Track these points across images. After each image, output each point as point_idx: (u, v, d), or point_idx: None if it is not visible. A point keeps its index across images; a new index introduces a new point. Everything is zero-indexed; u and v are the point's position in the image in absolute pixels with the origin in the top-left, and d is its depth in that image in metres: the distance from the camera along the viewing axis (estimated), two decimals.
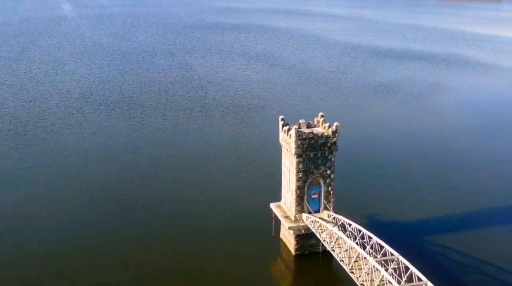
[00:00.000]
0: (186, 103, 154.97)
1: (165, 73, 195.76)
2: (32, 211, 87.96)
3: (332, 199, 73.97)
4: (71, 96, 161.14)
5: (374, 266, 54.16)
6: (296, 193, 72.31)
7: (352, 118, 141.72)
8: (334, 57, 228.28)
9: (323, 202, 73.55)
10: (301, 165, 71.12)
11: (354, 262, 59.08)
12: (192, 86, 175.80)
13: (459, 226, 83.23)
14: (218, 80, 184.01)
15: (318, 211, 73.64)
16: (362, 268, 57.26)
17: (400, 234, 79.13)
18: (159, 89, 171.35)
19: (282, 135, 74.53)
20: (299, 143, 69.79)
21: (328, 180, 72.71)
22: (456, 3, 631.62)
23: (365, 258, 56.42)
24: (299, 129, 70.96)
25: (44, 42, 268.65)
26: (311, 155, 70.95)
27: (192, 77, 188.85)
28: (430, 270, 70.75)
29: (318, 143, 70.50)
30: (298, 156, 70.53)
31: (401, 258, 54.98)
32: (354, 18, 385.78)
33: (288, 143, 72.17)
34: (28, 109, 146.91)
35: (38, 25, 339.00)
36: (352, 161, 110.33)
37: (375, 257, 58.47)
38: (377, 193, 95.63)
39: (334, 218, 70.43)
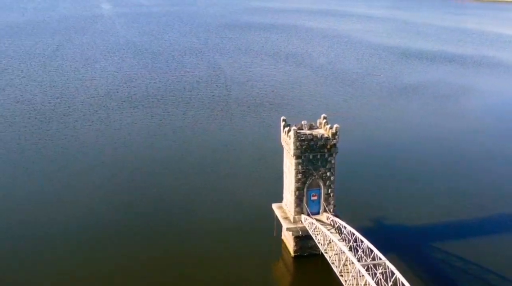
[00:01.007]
0: (208, 102, 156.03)
1: (192, 72, 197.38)
2: (46, 204, 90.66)
3: (332, 201, 73.45)
4: (98, 94, 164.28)
5: (359, 271, 53.64)
6: (295, 194, 72.14)
7: (372, 120, 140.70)
8: (364, 58, 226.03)
9: (323, 204, 73.11)
10: (300, 166, 70.90)
11: (343, 265, 58.65)
12: (216, 85, 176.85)
13: (463, 233, 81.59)
14: (243, 80, 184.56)
15: (317, 213, 73.26)
16: (350, 271, 56.79)
17: (402, 238, 78.19)
18: (184, 88, 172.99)
19: (283, 136, 74.48)
20: (297, 144, 69.61)
21: (328, 182, 72.24)
22: (497, 4, 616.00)
23: (352, 262, 55.95)
24: (299, 131, 70.70)
25: (79, 40, 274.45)
26: (310, 157, 70.64)
27: (218, 77, 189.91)
28: (425, 275, 70.12)
29: (318, 145, 70.14)
30: (297, 157, 70.33)
31: (388, 263, 54.25)
32: (389, 19, 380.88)
33: (288, 143, 72.08)
34: (54, 106, 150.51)
35: (75, 23, 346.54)
36: (365, 163, 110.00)
37: (365, 261, 57.97)
38: (385, 195, 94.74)
39: (332, 221, 69.99)
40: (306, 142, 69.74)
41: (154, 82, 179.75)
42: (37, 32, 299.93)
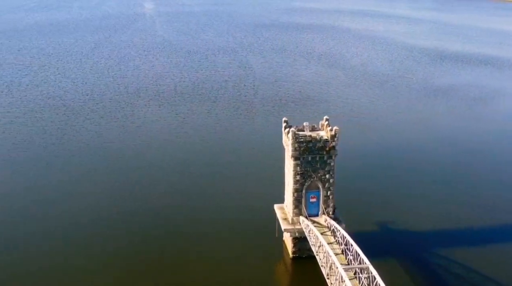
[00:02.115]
0: (233, 102, 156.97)
1: (223, 72, 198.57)
2: (62, 197, 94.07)
3: (332, 204, 73.02)
4: (127, 91, 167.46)
5: (341, 275, 53.29)
6: (293, 195, 72.09)
7: (395, 122, 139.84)
8: (397, 60, 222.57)
9: (322, 206, 72.75)
10: (298, 168, 70.78)
11: (330, 268, 58.34)
12: (244, 85, 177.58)
13: (465, 241, 79.75)
14: (271, 80, 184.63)
15: (316, 215, 73.01)
16: (334, 274, 56.46)
17: (402, 243, 77.12)
18: (211, 87, 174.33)
19: (284, 138, 74.41)
20: (296, 145, 69.52)
21: (327, 184, 71.82)
22: None
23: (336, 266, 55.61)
24: (298, 132, 70.56)
25: (117, 38, 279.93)
26: (309, 158, 70.42)
27: (247, 76, 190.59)
28: (421, 281, 68.97)
29: (316, 146, 69.83)
30: (295, 158, 70.24)
31: (371, 268, 53.70)
32: (429, 20, 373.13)
33: (287, 145, 71.99)
34: (83, 102, 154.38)
35: (117, 22, 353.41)
36: (381, 165, 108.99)
37: (353, 264, 57.59)
38: (395, 198, 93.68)
39: (328, 223, 69.60)
40: (304, 144, 69.55)
41: (183, 81, 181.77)
42: (78, 30, 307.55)
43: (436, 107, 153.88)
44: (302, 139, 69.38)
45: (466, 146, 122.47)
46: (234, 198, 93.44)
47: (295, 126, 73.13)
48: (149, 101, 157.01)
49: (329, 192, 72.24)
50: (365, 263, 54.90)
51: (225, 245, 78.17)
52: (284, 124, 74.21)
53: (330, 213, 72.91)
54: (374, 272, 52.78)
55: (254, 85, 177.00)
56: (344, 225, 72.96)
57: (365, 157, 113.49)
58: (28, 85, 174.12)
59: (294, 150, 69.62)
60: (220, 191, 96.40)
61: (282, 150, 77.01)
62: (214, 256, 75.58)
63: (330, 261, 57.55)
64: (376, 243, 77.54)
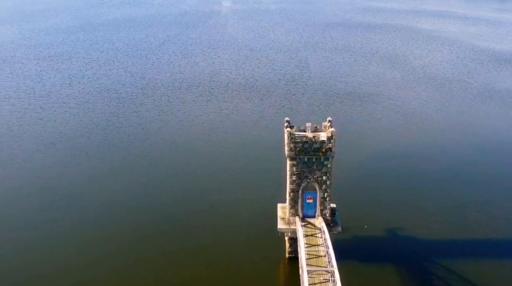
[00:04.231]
0: (280, 100, 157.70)
1: (279, 70, 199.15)
2: (96, 186, 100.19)
3: (328, 206, 72.40)
4: (180, 87, 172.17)
5: (303, 278, 53.29)
6: (289, 195, 72.23)
7: (440, 126, 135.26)
8: (461, 63, 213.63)
9: (319, 208, 72.35)
10: (294, 168, 70.81)
11: (301, 269, 58.25)
12: (296, 83, 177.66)
13: (463, 253, 76.56)
14: (325, 79, 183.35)
15: (313, 217, 72.71)
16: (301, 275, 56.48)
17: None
18: (263, 85, 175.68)
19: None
20: (291, 145, 69.57)
21: (324, 186, 71.32)
22: None
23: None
24: (295, 132, 70.51)
25: (186, 35, 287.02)
26: (305, 159, 70.25)
27: (301, 75, 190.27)
28: None
29: (312, 148, 69.51)
30: (291, 158, 70.35)
31: (336, 272, 53.26)
32: (503, 22, 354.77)
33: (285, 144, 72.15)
34: (135, 96, 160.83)
35: (191, 19, 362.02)
36: (410, 167, 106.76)
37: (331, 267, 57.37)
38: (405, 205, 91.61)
39: (321, 225, 69.23)
40: (300, 144, 69.47)
41: (237, 78, 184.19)
42: (152, 27, 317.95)
43: (489, 112, 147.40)
44: (298, 140, 69.30)
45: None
46: (250, 195, 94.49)
47: (297, 127, 73.06)
48: (198, 97, 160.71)
49: (326, 194, 71.67)
50: (332, 267, 54.46)
51: (226, 245, 79.19)
52: (285, 124, 74.18)
53: (327, 215, 72.34)
54: (337, 276, 52.33)
55: (305, 84, 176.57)
56: (340, 228, 72.52)
57: (398, 158, 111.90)
58: (89, 78, 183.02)
59: (290, 150, 69.71)
60: (228, 188, 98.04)
61: None
62: (214, 255, 76.62)
63: (301, 263, 57.51)
64: (376, 247, 76.45)
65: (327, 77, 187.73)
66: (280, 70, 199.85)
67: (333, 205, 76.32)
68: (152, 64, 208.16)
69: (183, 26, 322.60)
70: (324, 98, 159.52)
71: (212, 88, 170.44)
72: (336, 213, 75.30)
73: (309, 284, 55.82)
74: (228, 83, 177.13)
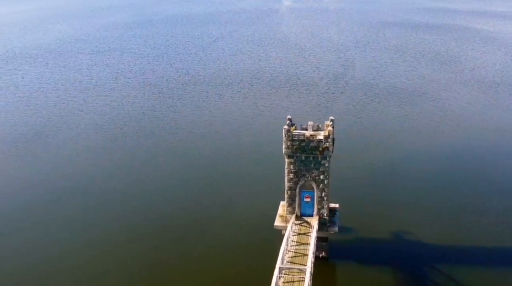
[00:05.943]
0: (317, 99, 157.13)
1: (323, 69, 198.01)
2: (112, 178, 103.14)
3: (326, 205, 72.14)
4: (221, 83, 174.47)
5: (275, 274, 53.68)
6: (287, 193, 72.54)
7: (476, 129, 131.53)
8: None
9: (316, 206, 72.25)
10: (291, 166, 71.03)
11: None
12: (337, 83, 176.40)
13: (464, 254, 74.22)
14: (367, 80, 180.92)
15: (311, 215, 72.70)
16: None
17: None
18: (303, 83, 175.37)
19: None
20: (288, 143, 69.86)
21: (321, 185, 71.15)
22: None
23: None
24: (291, 131, 70.69)
25: (240, 33, 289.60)
26: (303, 157, 70.32)
27: (344, 74, 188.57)
28: None
29: (310, 146, 69.51)
30: (288, 156, 70.65)
31: (307, 271, 53.35)
32: None
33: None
34: (175, 91, 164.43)
35: (247, 16, 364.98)
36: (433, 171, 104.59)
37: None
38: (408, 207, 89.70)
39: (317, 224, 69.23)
40: (297, 142, 69.63)
41: (279, 77, 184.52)
42: (208, 24, 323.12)
43: None
44: (295, 138, 69.50)
45: None
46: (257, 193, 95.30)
47: (299, 125, 73.18)
48: (236, 93, 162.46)
49: (323, 193, 71.44)
50: (305, 266, 54.56)
51: (226, 243, 79.28)
52: (287, 122, 74.35)
53: (325, 214, 72.12)
54: (308, 275, 52.43)
55: (347, 84, 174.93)
56: (336, 228, 72.29)
57: (428, 161, 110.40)
58: (136, 73, 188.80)
59: (287, 147, 70.03)
60: (235, 185, 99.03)
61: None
62: (215, 254, 76.83)
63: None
64: (376, 247, 75.71)
65: (371, 77, 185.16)
66: (325, 69, 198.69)
67: (335, 205, 76.07)
68: (199, 61, 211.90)
69: (239, 24, 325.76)
70: (362, 98, 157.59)
71: (252, 85, 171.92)
72: (337, 213, 74.86)
73: (286, 282, 56.23)
74: (270, 81, 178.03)
